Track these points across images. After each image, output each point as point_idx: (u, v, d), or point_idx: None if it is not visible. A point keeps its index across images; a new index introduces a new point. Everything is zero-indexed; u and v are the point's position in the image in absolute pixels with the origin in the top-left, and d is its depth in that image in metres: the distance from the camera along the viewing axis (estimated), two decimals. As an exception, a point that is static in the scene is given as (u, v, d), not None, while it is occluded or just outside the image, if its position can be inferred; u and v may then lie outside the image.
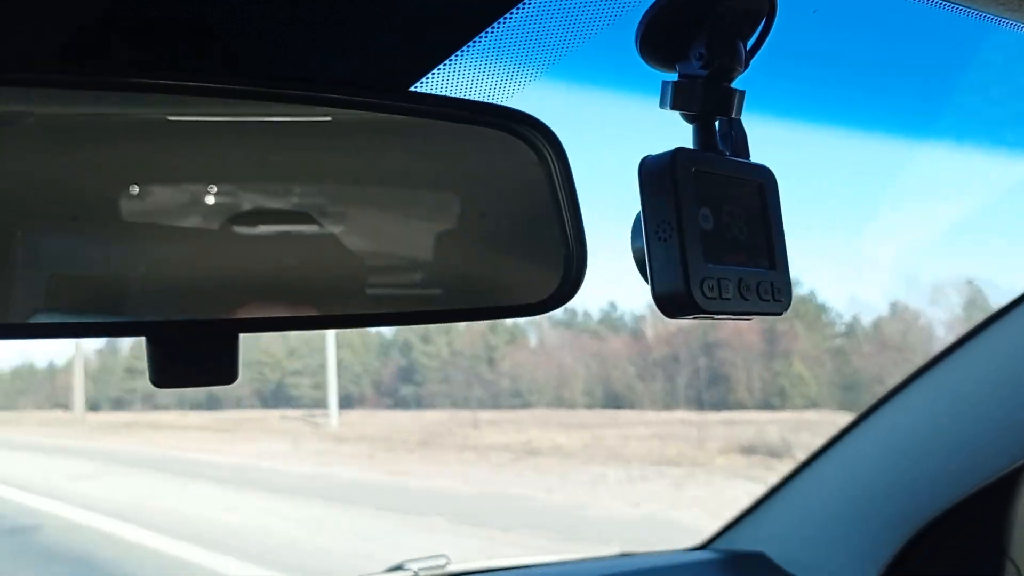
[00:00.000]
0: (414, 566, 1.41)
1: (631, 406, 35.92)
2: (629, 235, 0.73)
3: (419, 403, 49.73)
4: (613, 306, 61.25)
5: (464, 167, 0.67)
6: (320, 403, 59.91)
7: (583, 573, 1.48)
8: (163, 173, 0.55)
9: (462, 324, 44.10)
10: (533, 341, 53.27)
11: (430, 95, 0.63)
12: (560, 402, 40.33)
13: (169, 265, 0.53)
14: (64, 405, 72.02)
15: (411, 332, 64.39)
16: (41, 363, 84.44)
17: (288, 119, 0.57)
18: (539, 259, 0.67)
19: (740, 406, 33.55)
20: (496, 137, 0.63)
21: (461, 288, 0.64)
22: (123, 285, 0.52)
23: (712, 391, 38.17)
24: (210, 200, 0.54)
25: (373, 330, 71.92)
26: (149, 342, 0.49)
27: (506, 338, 56.30)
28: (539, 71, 0.74)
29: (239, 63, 0.57)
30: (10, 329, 0.52)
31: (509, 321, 57.69)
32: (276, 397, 62.86)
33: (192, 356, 0.51)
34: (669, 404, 35.84)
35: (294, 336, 67.26)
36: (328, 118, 0.59)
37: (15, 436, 23.90)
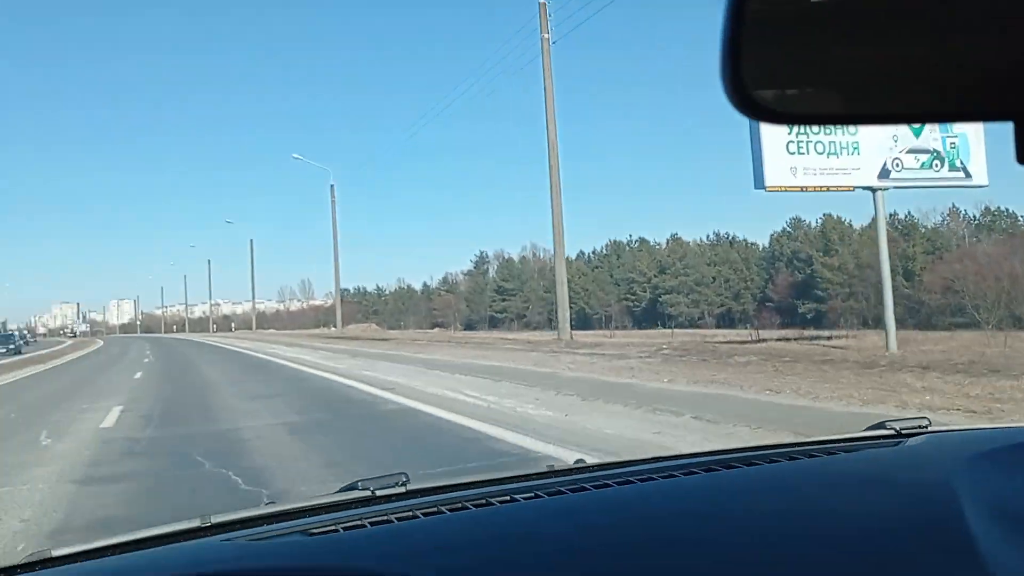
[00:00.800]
0: (896, 425, 1.63)
1: None
2: None
3: (820, 322, 49.46)
4: (1068, 201, 53.15)
5: None
6: (694, 321, 60.78)
7: (985, 439, 1.56)
8: None
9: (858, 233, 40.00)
10: (955, 248, 49.66)
11: None
12: (1016, 322, 37.83)
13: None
14: (440, 324, 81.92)
15: (808, 245, 59.20)
16: (416, 283, 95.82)
17: None
18: None
19: None
20: None
21: None
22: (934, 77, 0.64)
23: None
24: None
25: (753, 240, 68.53)
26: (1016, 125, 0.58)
27: (924, 247, 53.24)
28: None
29: None
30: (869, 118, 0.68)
31: (924, 229, 52.90)
32: (648, 315, 66.23)
33: None
34: None
35: (665, 252, 68.56)
36: None
37: (567, 371, 13.83)
